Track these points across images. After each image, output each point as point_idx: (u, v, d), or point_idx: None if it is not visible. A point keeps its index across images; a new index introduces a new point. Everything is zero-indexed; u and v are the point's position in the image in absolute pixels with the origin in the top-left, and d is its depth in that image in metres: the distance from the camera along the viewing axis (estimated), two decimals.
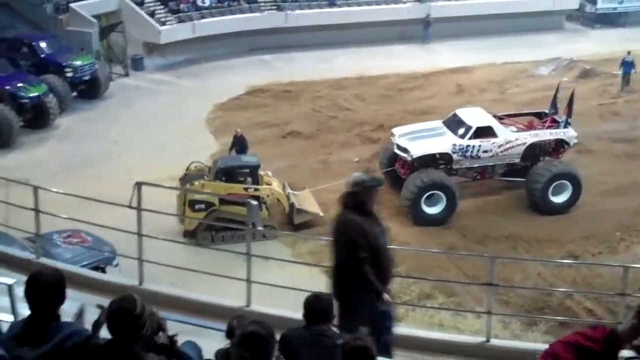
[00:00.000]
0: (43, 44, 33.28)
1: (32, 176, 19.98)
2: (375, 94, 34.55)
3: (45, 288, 5.18)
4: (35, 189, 10.29)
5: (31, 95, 29.78)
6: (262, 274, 10.92)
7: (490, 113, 25.50)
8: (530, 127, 25.40)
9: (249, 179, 22.55)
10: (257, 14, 40.97)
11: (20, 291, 5.70)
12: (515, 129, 25.17)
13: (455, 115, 25.21)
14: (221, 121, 31.55)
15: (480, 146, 24.30)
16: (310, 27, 41.06)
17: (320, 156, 27.96)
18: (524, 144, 24.69)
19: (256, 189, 22.32)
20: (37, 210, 10.42)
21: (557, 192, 24.35)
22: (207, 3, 40.37)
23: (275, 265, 16.69)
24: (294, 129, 30.43)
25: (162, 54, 38.40)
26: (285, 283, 10.58)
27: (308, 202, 23.06)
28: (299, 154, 27.84)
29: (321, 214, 21.69)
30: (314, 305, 6.36)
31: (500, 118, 25.51)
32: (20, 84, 30.04)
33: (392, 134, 25.26)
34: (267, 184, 23.03)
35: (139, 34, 37.80)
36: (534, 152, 24.98)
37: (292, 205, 22.65)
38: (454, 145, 24.28)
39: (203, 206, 22.09)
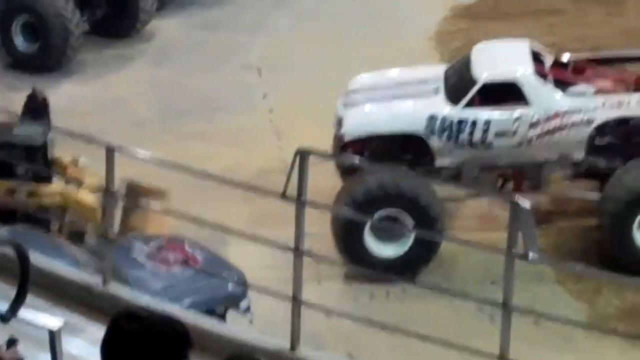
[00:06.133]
0: None
1: (95, 127, 17.16)
2: None
3: (140, 348, 3.78)
4: (109, 151, 8.38)
5: None
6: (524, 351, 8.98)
7: (544, 51, 18.28)
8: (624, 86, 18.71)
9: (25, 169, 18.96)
10: None
11: (70, 342, 5.45)
12: (588, 89, 18.16)
13: (468, 55, 18.83)
14: (464, 38, 24.07)
15: (489, 122, 18.10)
16: None
17: None
18: (592, 121, 18.09)
19: (32, 193, 17.53)
20: (108, 192, 8.59)
21: None
22: None
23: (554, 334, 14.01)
24: None
25: None
26: None
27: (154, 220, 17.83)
28: None
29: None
30: None
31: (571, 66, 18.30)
32: None
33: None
34: (72, 180, 18.56)
35: None
36: (630, 140, 18.22)
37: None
38: (434, 117, 18.15)
39: None
